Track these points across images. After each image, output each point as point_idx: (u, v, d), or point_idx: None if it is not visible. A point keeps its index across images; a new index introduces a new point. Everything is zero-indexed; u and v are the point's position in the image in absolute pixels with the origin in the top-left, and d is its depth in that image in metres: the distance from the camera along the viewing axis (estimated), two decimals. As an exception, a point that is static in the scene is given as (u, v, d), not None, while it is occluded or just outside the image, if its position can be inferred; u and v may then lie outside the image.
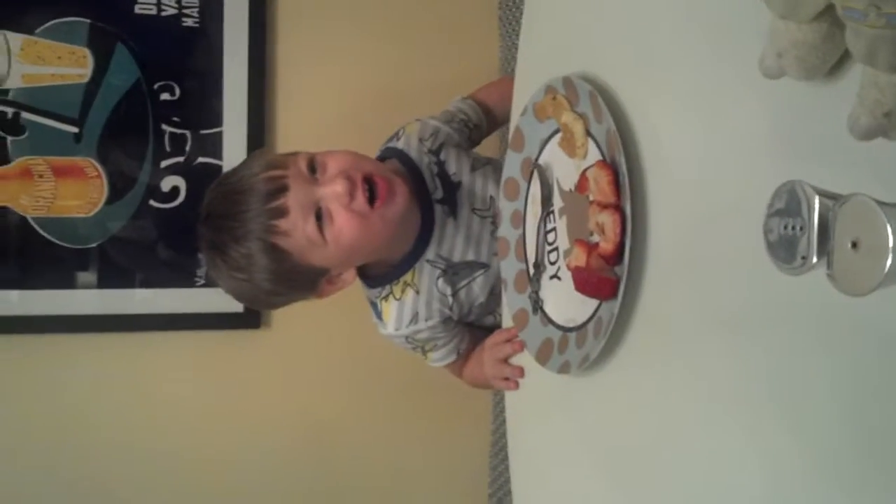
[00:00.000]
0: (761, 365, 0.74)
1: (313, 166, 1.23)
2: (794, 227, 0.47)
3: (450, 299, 1.36)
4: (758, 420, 0.74)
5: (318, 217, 1.21)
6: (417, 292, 1.35)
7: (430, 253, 1.35)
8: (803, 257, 0.47)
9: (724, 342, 0.79)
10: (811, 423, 0.68)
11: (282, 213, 1.20)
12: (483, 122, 1.50)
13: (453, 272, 1.36)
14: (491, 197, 1.37)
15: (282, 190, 1.20)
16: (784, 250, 0.48)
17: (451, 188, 1.37)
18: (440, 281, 1.35)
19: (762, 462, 0.74)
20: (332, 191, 1.21)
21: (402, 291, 1.35)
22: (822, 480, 0.67)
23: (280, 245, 1.22)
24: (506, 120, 1.41)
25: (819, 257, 0.46)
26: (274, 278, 1.26)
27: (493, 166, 1.42)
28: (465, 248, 1.36)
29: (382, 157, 1.41)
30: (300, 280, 1.29)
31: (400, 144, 1.40)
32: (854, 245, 0.44)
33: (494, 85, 1.57)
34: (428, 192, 1.36)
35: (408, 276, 1.35)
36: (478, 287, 1.37)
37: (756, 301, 0.75)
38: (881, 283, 0.42)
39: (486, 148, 1.60)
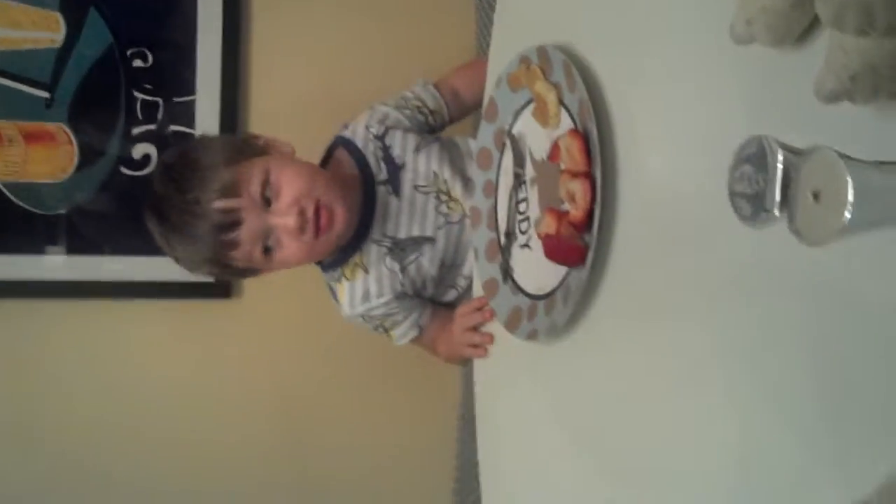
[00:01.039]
0: (730, 326, 0.75)
1: (267, 189, 1.25)
2: (758, 182, 0.48)
3: (399, 275, 1.39)
4: (728, 381, 0.75)
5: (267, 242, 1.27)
6: (367, 271, 1.38)
7: (374, 233, 1.38)
8: (766, 210, 0.48)
9: (692, 305, 0.81)
10: (781, 379, 0.69)
11: (234, 245, 1.25)
12: (443, 107, 1.50)
13: (399, 249, 1.39)
14: (434, 173, 1.40)
15: (236, 224, 1.24)
16: (747, 203, 0.49)
17: (395, 170, 1.40)
18: (387, 258, 1.38)
19: (733, 423, 0.75)
20: (285, 224, 1.25)
21: (353, 272, 1.39)
22: (793, 435, 0.69)
23: (227, 260, 1.28)
24: (478, 104, 1.42)
25: (781, 210, 0.48)
26: (217, 272, 1.37)
27: (441, 143, 1.44)
28: (410, 224, 1.39)
29: (332, 146, 1.42)
30: (242, 272, 1.38)
31: (347, 133, 1.44)
32: (815, 197, 0.45)
33: (464, 68, 1.57)
34: (372, 176, 1.39)
35: (356, 258, 1.38)
36: (426, 261, 1.40)
37: (724, 263, 0.76)
38: (841, 231, 0.43)
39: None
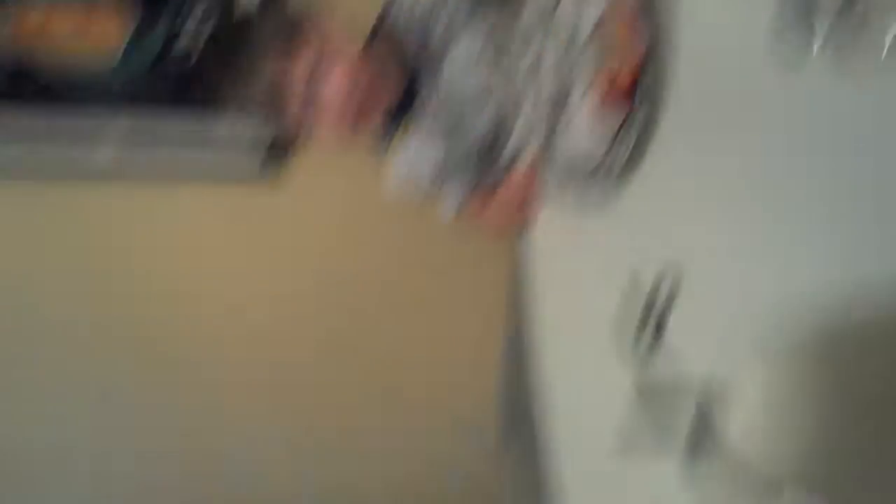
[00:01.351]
0: (776, 160, 0.75)
1: (311, 87, 1.28)
2: (803, 15, 0.47)
3: (442, 152, 1.39)
4: (776, 212, 0.76)
5: None
6: (411, 146, 1.39)
7: (418, 108, 1.38)
8: (811, 42, 0.47)
9: (736, 154, 0.80)
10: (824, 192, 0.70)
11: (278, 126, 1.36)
12: None
13: (443, 123, 1.39)
14: (481, 46, 1.39)
15: (279, 117, 1.29)
16: (793, 36, 0.49)
17: (443, 42, 1.39)
18: (432, 133, 1.38)
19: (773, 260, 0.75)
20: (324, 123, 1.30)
21: (397, 147, 1.40)
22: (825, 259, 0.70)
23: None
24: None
25: (827, 40, 0.47)
26: None
27: (490, 16, 1.42)
28: (454, 99, 1.38)
29: (381, 16, 1.42)
30: None
31: (396, 5, 1.42)
32: (860, 26, 0.44)
33: None
34: (419, 48, 1.38)
35: (400, 132, 1.39)
36: (470, 136, 1.39)
37: (767, 107, 0.75)
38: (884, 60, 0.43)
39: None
